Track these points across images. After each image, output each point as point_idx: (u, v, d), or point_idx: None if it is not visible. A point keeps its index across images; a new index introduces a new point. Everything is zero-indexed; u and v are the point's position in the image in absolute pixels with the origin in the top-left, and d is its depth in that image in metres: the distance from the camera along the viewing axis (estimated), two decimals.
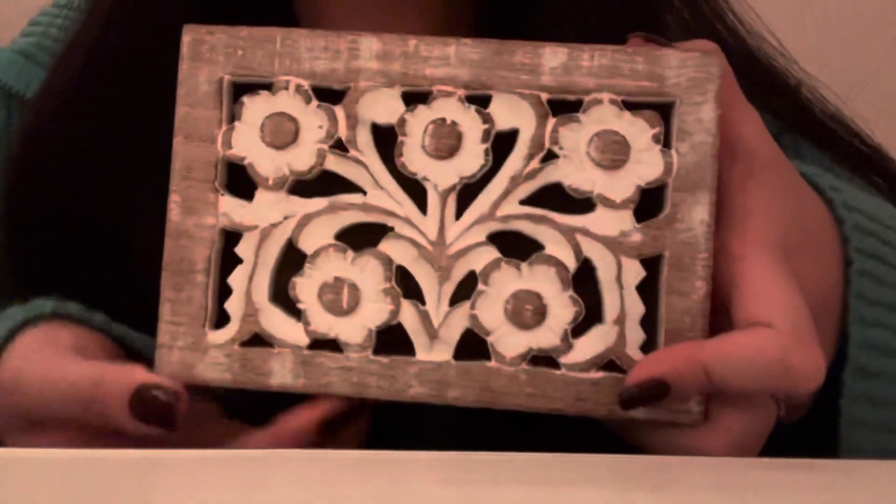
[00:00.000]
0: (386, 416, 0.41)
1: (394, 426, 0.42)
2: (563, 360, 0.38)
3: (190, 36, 0.39)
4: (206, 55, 0.39)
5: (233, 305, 0.38)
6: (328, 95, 0.39)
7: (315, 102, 0.39)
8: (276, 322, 0.38)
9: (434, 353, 0.38)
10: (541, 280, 0.38)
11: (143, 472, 0.33)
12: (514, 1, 0.51)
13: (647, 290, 0.38)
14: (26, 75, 0.54)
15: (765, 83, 0.53)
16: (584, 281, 0.38)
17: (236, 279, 0.38)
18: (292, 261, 0.39)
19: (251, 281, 0.38)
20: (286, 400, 0.38)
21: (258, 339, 0.38)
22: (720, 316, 0.37)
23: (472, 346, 0.38)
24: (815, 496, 0.32)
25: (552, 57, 0.38)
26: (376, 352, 0.38)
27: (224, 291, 0.38)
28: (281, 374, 0.38)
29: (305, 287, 0.38)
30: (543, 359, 0.38)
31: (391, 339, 0.38)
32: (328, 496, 0.30)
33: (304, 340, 0.38)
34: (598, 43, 0.39)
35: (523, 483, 0.32)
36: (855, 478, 0.35)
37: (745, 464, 0.36)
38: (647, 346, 0.38)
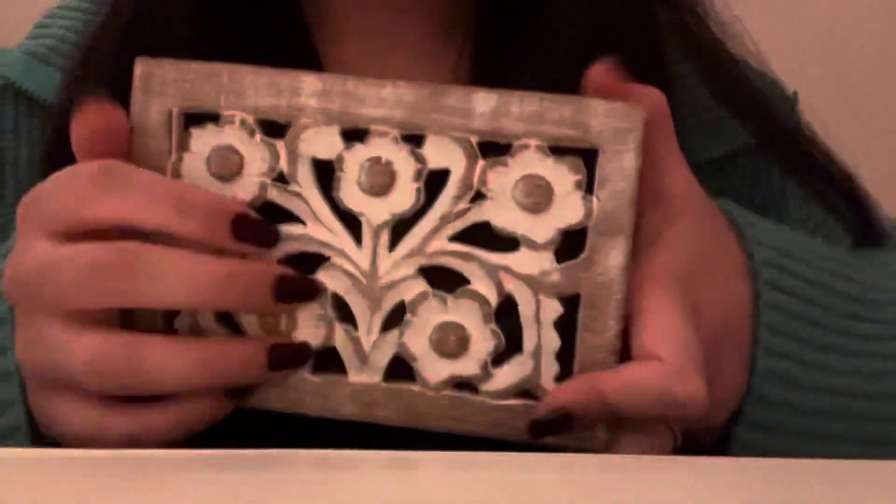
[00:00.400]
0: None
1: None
2: (482, 387, 0.41)
3: (141, 69, 0.41)
4: (157, 87, 0.41)
5: (182, 324, 0.41)
6: (273, 128, 0.41)
7: (259, 136, 0.41)
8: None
9: (364, 375, 0.41)
10: (465, 313, 0.41)
11: (144, 472, 0.35)
12: (514, 1, 0.52)
13: (566, 325, 0.41)
14: (35, 75, 0.55)
15: (747, 96, 0.54)
16: (506, 313, 0.41)
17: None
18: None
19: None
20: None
21: None
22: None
23: (401, 369, 0.41)
24: (815, 496, 0.34)
25: (482, 102, 0.40)
26: (312, 371, 0.41)
27: (173, 311, 0.41)
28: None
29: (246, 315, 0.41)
30: (466, 384, 0.41)
31: (327, 359, 0.41)
32: (328, 496, 0.31)
33: None
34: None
35: (518, 483, 0.34)
36: (855, 478, 0.37)
37: (739, 464, 0.38)
38: (562, 378, 0.41)
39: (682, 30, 0.53)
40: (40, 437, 0.40)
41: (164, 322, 0.41)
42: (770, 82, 0.59)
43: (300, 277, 0.40)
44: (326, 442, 0.45)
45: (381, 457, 0.36)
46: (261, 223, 0.40)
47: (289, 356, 0.40)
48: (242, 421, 0.40)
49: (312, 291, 0.40)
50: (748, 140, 0.55)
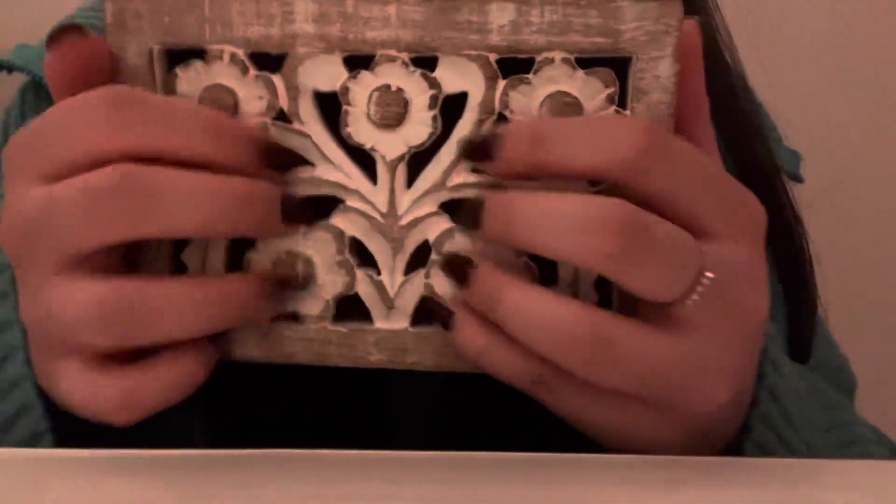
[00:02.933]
0: (363, 413, 0.42)
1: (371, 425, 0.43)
2: None
3: (112, 5, 0.37)
4: (131, 23, 0.37)
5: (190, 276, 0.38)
6: (265, 62, 0.37)
7: (253, 72, 0.37)
8: None
9: (391, 321, 0.38)
10: (495, 247, 0.37)
11: (143, 472, 0.33)
12: None
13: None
14: None
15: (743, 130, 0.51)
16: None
17: (190, 256, 0.38)
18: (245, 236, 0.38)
19: (205, 258, 0.38)
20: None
21: None
22: None
23: (429, 312, 0.38)
24: (815, 496, 0.33)
25: (500, 14, 0.36)
26: (335, 321, 0.38)
27: (179, 269, 0.38)
28: (243, 346, 0.38)
29: (258, 263, 0.38)
30: None
31: (350, 308, 0.38)
32: (328, 496, 0.31)
33: None
34: None
35: (518, 483, 0.33)
36: (855, 478, 0.36)
37: (739, 464, 0.37)
38: (601, 306, 0.38)
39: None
40: (57, 411, 0.38)
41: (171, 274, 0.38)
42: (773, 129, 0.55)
43: (301, 200, 0.37)
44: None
45: (381, 456, 0.35)
46: (287, 149, 0.37)
47: (285, 288, 0.38)
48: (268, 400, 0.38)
49: (310, 215, 0.37)
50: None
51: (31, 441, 0.37)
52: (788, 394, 0.40)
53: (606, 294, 0.37)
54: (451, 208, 0.38)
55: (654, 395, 0.35)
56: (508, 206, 0.35)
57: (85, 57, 0.36)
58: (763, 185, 0.49)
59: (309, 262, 0.38)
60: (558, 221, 0.34)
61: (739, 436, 0.39)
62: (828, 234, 0.56)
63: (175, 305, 0.34)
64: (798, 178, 0.52)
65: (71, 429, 0.38)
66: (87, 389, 0.35)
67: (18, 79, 0.55)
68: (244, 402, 0.44)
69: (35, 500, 0.30)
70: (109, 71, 0.37)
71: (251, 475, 0.33)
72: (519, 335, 0.35)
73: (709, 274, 0.34)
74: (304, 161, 0.37)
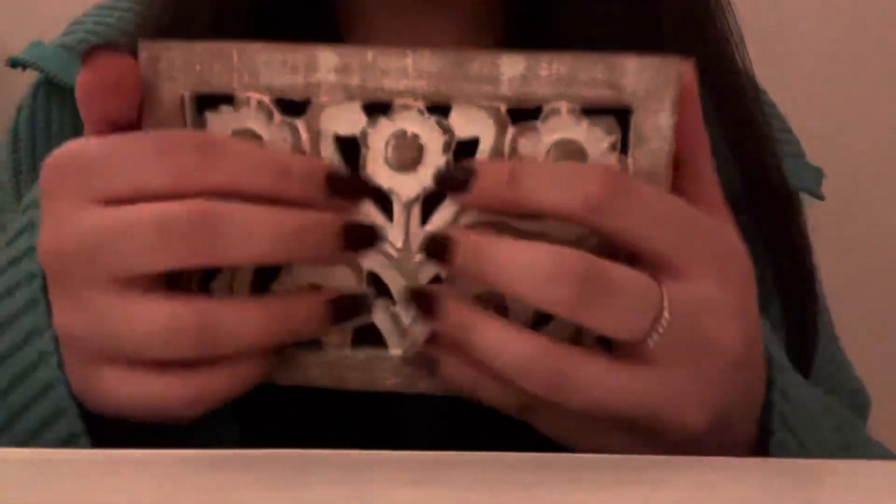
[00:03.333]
0: (368, 417, 0.45)
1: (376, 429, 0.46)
2: None
3: (146, 53, 0.39)
4: (165, 72, 0.39)
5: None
6: (291, 107, 0.39)
7: (278, 118, 0.39)
8: None
9: (405, 349, 0.41)
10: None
11: (143, 472, 0.34)
12: (541, 3, 0.50)
13: None
14: (69, 67, 0.54)
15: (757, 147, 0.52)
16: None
17: (219, 287, 0.41)
18: (268, 267, 0.41)
19: (231, 289, 0.41)
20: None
21: None
22: None
23: (440, 341, 0.41)
24: (815, 496, 0.34)
25: (510, 67, 0.38)
26: (354, 347, 0.41)
27: (207, 281, 0.41)
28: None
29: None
30: None
31: (367, 334, 0.41)
32: (328, 496, 0.32)
33: None
34: (633, 44, 0.39)
35: (516, 483, 0.34)
36: (855, 478, 0.37)
37: (741, 464, 0.38)
38: (605, 338, 0.41)
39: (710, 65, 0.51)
40: (89, 415, 0.40)
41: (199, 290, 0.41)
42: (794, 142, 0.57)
43: (365, 223, 0.40)
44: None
45: (380, 456, 0.36)
46: (351, 176, 0.39)
47: (350, 306, 0.40)
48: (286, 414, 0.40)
49: (374, 236, 0.40)
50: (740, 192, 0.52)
51: (68, 443, 0.40)
52: (800, 417, 0.42)
53: None
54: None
55: (625, 421, 0.38)
56: (478, 250, 0.38)
57: (116, 75, 0.38)
58: (769, 198, 0.51)
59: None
60: (521, 270, 0.37)
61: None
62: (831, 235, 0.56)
63: (244, 325, 0.37)
64: (818, 196, 0.54)
65: (105, 432, 0.40)
66: (154, 394, 0.38)
67: (31, 76, 0.56)
68: (265, 409, 0.46)
69: (35, 500, 0.30)
70: (137, 87, 0.39)
71: (252, 475, 0.34)
72: (490, 364, 0.38)
73: (665, 314, 0.37)
74: (368, 186, 0.39)
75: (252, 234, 0.36)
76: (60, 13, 0.60)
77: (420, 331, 0.41)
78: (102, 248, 0.36)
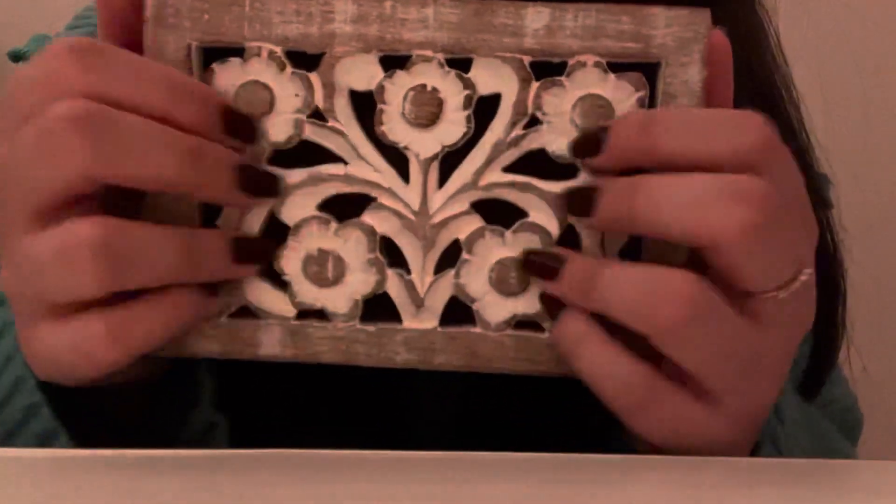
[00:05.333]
0: (381, 411, 0.42)
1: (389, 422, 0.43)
2: (546, 324, 0.38)
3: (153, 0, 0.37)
4: (171, 19, 0.37)
5: None
6: (301, 60, 0.38)
7: (290, 70, 0.37)
8: (263, 294, 0.38)
9: (420, 320, 0.38)
10: (525, 247, 0.38)
11: (142, 472, 0.33)
12: None
13: (631, 253, 0.38)
14: None
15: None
16: (567, 244, 0.38)
17: None
18: (275, 232, 0.38)
19: None
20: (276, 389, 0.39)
21: (246, 311, 0.39)
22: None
23: (458, 312, 0.39)
24: (815, 496, 0.33)
25: (535, 18, 0.37)
26: (363, 320, 0.38)
27: None
28: (269, 345, 0.38)
29: (289, 259, 0.38)
30: (528, 322, 0.39)
31: (378, 307, 0.39)
32: (328, 496, 0.30)
33: (290, 312, 0.38)
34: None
35: (520, 483, 0.33)
36: (855, 478, 0.37)
37: (744, 464, 0.37)
38: None
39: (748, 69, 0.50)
40: (67, 407, 0.38)
41: None
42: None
43: (262, 171, 0.37)
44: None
45: (380, 457, 0.35)
46: (248, 118, 0.37)
47: (253, 249, 0.38)
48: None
49: (273, 187, 0.37)
50: None
51: (28, 414, 0.37)
52: (791, 420, 0.41)
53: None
54: (482, 208, 0.38)
55: (726, 383, 0.35)
56: (633, 188, 0.35)
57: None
58: None
59: (340, 260, 0.38)
60: (692, 196, 0.34)
61: None
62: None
63: (155, 245, 0.34)
64: (828, 204, 0.53)
65: (68, 402, 0.37)
66: (72, 333, 0.34)
67: None
68: (265, 403, 0.43)
69: (35, 501, 0.29)
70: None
71: (253, 475, 0.33)
72: (618, 313, 0.35)
73: (808, 271, 0.35)
74: (255, 134, 0.37)
75: (143, 143, 0.33)
76: (60, 9, 0.58)
77: (438, 301, 0.38)
78: (8, 181, 0.34)
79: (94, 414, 0.38)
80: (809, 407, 0.48)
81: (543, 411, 0.40)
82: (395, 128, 0.38)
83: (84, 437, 0.38)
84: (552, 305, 0.37)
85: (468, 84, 0.37)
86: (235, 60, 0.37)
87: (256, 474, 0.33)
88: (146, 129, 0.33)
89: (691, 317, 0.34)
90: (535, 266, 0.37)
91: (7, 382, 0.37)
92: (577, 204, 0.37)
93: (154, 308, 0.35)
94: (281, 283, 0.38)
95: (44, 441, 0.37)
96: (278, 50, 0.37)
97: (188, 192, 0.35)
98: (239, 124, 0.36)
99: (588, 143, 0.37)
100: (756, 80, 0.38)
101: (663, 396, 0.35)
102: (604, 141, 0.36)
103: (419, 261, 0.38)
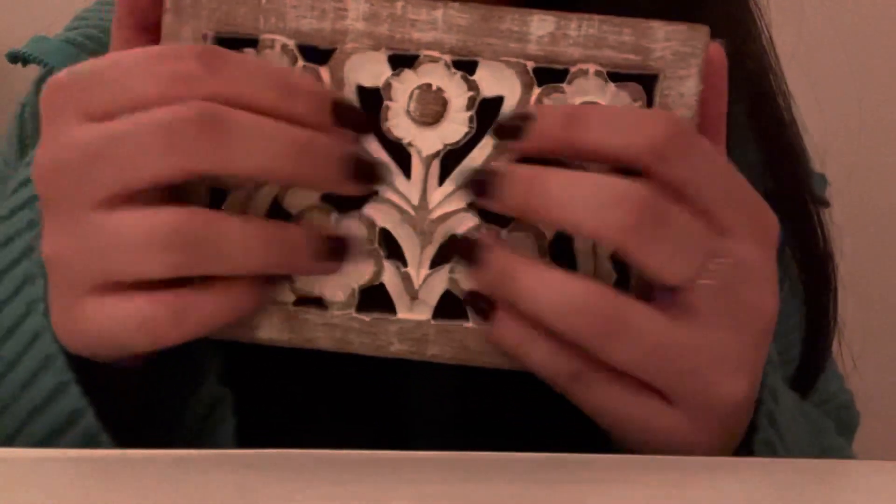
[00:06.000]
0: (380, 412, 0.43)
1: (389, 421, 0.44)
2: None
3: None
4: (189, 10, 0.38)
5: None
6: (313, 54, 0.39)
7: (301, 63, 0.39)
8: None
9: (414, 312, 0.40)
10: (519, 247, 0.39)
11: (142, 472, 0.34)
12: None
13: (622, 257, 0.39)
14: (74, 62, 0.53)
15: (786, 146, 0.52)
16: (560, 246, 0.39)
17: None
18: (278, 219, 0.39)
19: None
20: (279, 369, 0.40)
21: None
22: None
23: (451, 306, 0.40)
24: (814, 496, 0.34)
25: (540, 25, 0.38)
26: (359, 309, 0.40)
27: None
28: (267, 328, 0.40)
29: None
30: None
31: (374, 297, 0.40)
32: (328, 496, 0.31)
33: (289, 297, 0.40)
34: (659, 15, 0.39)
35: (519, 483, 0.34)
36: (854, 478, 0.37)
37: (743, 464, 0.38)
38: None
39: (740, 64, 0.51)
40: (76, 359, 0.38)
41: None
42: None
43: (368, 160, 0.38)
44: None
45: (380, 457, 0.36)
46: (357, 109, 0.38)
47: (344, 246, 0.39)
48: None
49: (378, 175, 0.38)
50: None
51: (57, 392, 0.37)
52: (786, 423, 0.42)
53: (624, 278, 0.39)
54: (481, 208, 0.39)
55: (669, 381, 0.37)
56: (530, 179, 0.37)
57: None
58: (796, 213, 0.51)
59: None
60: (579, 196, 0.36)
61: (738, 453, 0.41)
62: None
63: (243, 238, 0.35)
64: (824, 203, 0.54)
65: (92, 384, 0.38)
66: (137, 310, 0.35)
67: (34, 71, 0.55)
68: (269, 380, 0.44)
69: (34, 501, 0.30)
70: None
71: (253, 475, 0.33)
72: (535, 312, 0.36)
73: (718, 259, 0.36)
74: (369, 124, 0.38)
75: (260, 141, 0.35)
76: (60, 9, 0.59)
77: (432, 294, 0.39)
78: (102, 158, 0.35)
79: (111, 392, 0.39)
80: (806, 404, 0.49)
81: (540, 409, 0.41)
82: (400, 124, 0.39)
83: (106, 415, 0.38)
84: (473, 247, 0.38)
85: (472, 86, 0.39)
86: (249, 51, 0.39)
87: (256, 474, 0.33)
88: (259, 125, 0.35)
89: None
90: (473, 184, 0.38)
91: (35, 360, 0.38)
92: (478, 185, 0.38)
93: (221, 295, 0.36)
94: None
95: (71, 419, 0.38)
96: (291, 43, 0.39)
97: (300, 183, 0.38)
98: (348, 115, 0.38)
99: (511, 128, 0.38)
100: (748, 76, 0.39)
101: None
102: (526, 127, 0.37)
103: (416, 254, 0.39)
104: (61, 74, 0.37)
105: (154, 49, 0.36)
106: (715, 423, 0.38)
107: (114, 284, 0.36)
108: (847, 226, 0.54)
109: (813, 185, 0.53)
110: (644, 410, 0.37)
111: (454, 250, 0.39)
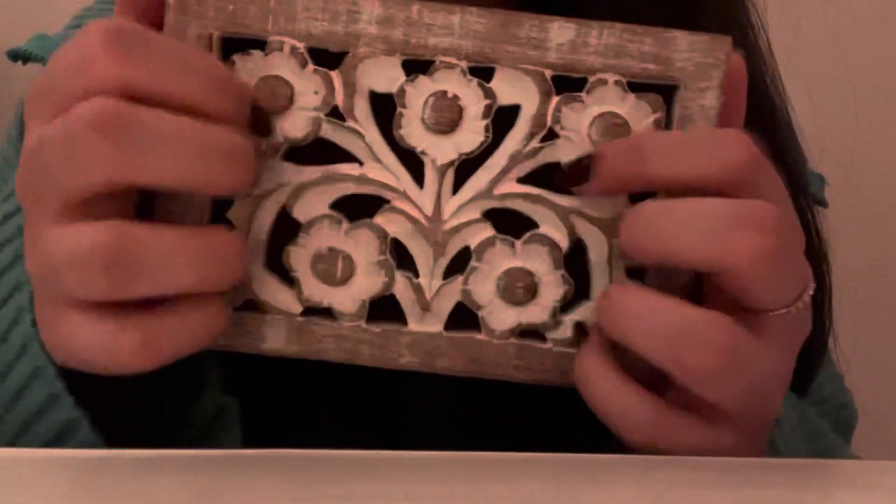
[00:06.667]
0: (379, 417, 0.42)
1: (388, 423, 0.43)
2: (550, 334, 0.39)
3: None
4: (195, 7, 0.37)
5: None
6: (323, 58, 0.37)
7: (311, 66, 0.37)
8: (270, 289, 0.38)
9: (425, 324, 0.39)
10: (534, 259, 0.38)
11: (142, 472, 0.33)
12: None
13: (636, 270, 0.39)
14: None
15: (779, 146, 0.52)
16: (573, 258, 0.39)
17: None
18: (286, 228, 0.38)
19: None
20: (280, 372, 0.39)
21: (251, 305, 0.38)
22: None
23: (463, 317, 0.39)
24: (814, 496, 0.34)
25: (559, 33, 0.37)
26: (369, 320, 0.39)
27: None
28: (274, 339, 0.38)
29: (299, 256, 0.38)
30: (532, 332, 0.39)
31: (384, 308, 0.39)
32: (328, 496, 0.31)
33: (297, 308, 0.38)
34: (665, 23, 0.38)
35: (519, 483, 0.34)
36: (854, 478, 0.37)
37: (744, 464, 0.38)
38: None
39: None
40: (66, 373, 0.37)
41: None
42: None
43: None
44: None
45: (380, 457, 0.35)
46: (267, 114, 0.36)
47: None
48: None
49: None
50: None
51: (49, 403, 0.36)
52: (787, 423, 0.42)
53: None
54: (494, 217, 0.38)
55: (740, 404, 0.36)
56: (637, 218, 0.36)
57: None
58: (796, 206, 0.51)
59: (349, 260, 0.38)
60: (703, 223, 0.34)
61: None
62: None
63: (167, 253, 0.33)
64: (822, 203, 0.54)
65: (89, 393, 0.37)
66: (103, 336, 0.33)
67: (35, 70, 0.53)
68: (271, 388, 0.43)
69: (33, 501, 0.29)
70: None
71: (253, 475, 0.33)
72: (642, 345, 0.35)
73: (812, 285, 0.36)
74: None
75: (169, 145, 0.32)
76: (60, 9, 0.57)
77: (444, 306, 0.39)
78: (40, 171, 0.33)
79: (109, 400, 0.38)
80: (804, 405, 0.50)
81: (539, 413, 0.41)
82: (414, 132, 0.38)
83: (103, 425, 0.37)
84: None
85: (489, 94, 0.38)
86: (257, 53, 0.37)
87: (256, 474, 0.33)
88: (172, 127, 0.32)
89: (726, 365, 0.34)
90: None
91: (24, 371, 0.36)
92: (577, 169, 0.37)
93: (189, 321, 0.34)
94: (289, 279, 0.38)
95: (64, 431, 0.36)
96: (301, 46, 0.37)
97: (212, 189, 0.35)
98: (263, 120, 0.36)
99: (579, 172, 0.37)
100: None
101: (672, 428, 0.36)
102: (594, 168, 0.37)
103: (428, 265, 0.38)
104: (39, 77, 0.35)
105: (74, 38, 0.33)
106: (761, 435, 0.38)
107: (82, 303, 0.34)
108: (841, 225, 0.54)
109: (808, 184, 0.53)
110: (696, 438, 0.37)
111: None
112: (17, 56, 0.51)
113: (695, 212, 0.35)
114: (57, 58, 0.34)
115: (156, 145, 0.32)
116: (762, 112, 0.41)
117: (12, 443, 0.37)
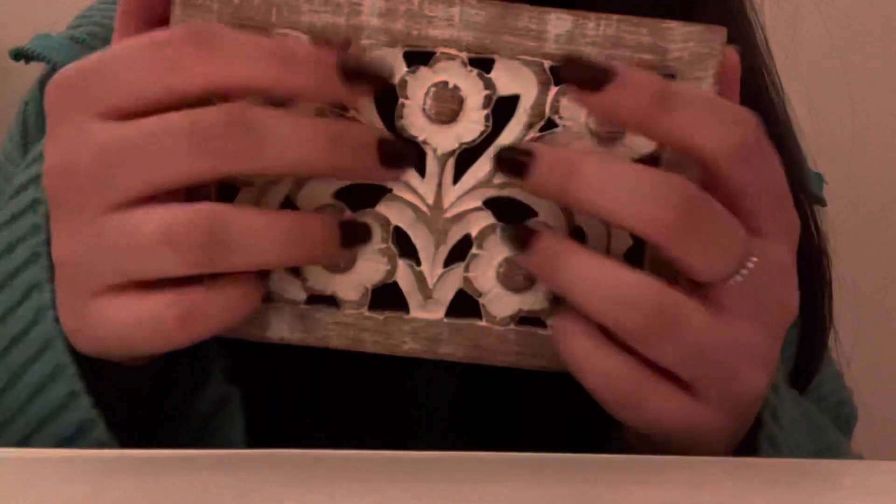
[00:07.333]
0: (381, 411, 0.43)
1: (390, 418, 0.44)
2: (550, 321, 0.40)
3: None
4: (200, 1, 0.37)
5: None
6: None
7: None
8: (274, 277, 0.39)
9: (427, 311, 0.39)
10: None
11: (142, 472, 0.33)
12: None
13: (635, 256, 0.40)
14: (78, 59, 0.52)
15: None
16: None
17: None
18: None
19: None
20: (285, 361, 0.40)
21: None
22: None
23: (464, 304, 0.40)
24: (814, 496, 0.34)
25: (557, 24, 0.38)
26: (372, 308, 0.39)
27: None
28: (278, 327, 0.39)
29: None
30: (532, 319, 0.40)
31: (387, 296, 0.39)
32: (328, 496, 0.31)
33: (301, 296, 0.39)
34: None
35: (520, 483, 0.34)
36: (854, 478, 0.38)
37: (744, 464, 0.38)
38: None
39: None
40: (86, 367, 0.38)
41: None
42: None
43: (399, 143, 0.38)
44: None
45: (380, 457, 0.36)
46: (368, 62, 0.37)
47: (358, 231, 0.38)
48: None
49: (412, 156, 0.38)
50: None
51: (67, 402, 0.37)
52: (788, 420, 0.42)
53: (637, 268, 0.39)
54: (494, 205, 0.39)
55: (701, 375, 0.37)
56: (567, 163, 0.36)
57: None
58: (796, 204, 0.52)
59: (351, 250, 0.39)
60: (621, 186, 0.35)
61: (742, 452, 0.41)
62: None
63: (261, 231, 0.35)
64: (821, 202, 0.55)
65: (106, 390, 0.37)
66: (148, 313, 0.35)
67: (36, 69, 0.54)
68: (275, 378, 0.44)
69: (33, 501, 0.29)
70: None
71: (253, 475, 0.33)
72: (583, 303, 0.36)
73: (753, 258, 0.36)
74: (388, 76, 0.38)
75: (291, 136, 0.34)
76: (60, 9, 0.58)
77: (445, 293, 0.39)
78: (123, 161, 0.34)
79: (120, 398, 0.39)
80: (804, 402, 0.50)
81: (542, 404, 0.41)
82: (415, 122, 0.38)
83: (115, 424, 0.38)
84: (524, 232, 0.38)
85: (489, 84, 0.38)
86: None
87: (257, 474, 0.33)
88: (292, 120, 0.35)
89: (659, 326, 0.35)
90: (506, 162, 0.37)
91: (44, 369, 0.37)
92: (509, 163, 0.37)
93: (229, 295, 0.36)
94: (293, 267, 0.39)
95: (80, 430, 0.37)
96: (304, 38, 0.38)
97: (336, 175, 0.37)
98: (356, 74, 0.36)
99: (600, 73, 0.36)
100: (742, 74, 0.39)
101: (648, 389, 0.36)
102: (615, 82, 0.36)
103: (430, 253, 0.39)
104: (67, 71, 0.36)
105: (146, 38, 0.35)
106: (737, 416, 0.38)
107: (126, 285, 0.35)
108: (840, 224, 0.55)
109: (807, 182, 0.54)
110: (675, 406, 0.37)
111: (504, 236, 0.38)
112: (20, 55, 0.52)
113: (611, 173, 0.36)
114: (113, 57, 0.35)
115: (276, 139, 0.34)
116: (760, 110, 0.42)
117: (24, 443, 0.38)
